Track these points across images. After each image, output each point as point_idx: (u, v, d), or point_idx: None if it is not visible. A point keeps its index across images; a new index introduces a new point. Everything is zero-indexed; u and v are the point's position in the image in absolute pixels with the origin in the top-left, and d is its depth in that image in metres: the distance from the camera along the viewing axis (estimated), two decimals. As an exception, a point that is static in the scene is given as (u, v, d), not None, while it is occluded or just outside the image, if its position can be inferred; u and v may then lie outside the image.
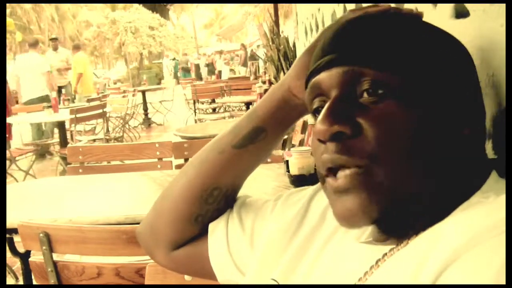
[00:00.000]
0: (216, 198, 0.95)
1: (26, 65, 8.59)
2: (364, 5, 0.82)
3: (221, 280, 0.97)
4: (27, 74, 8.54)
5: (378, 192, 0.66)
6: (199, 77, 16.28)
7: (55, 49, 10.22)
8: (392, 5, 0.81)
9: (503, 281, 0.48)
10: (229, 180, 0.95)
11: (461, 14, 1.01)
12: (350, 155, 0.66)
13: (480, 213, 0.62)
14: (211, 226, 0.96)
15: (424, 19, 0.78)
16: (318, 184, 0.88)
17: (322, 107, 0.72)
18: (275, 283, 0.83)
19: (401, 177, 0.65)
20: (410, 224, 0.68)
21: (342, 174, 0.67)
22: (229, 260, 0.94)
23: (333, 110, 0.68)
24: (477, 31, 0.91)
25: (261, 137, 0.92)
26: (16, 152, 6.60)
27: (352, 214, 0.67)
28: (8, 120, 6.80)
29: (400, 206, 0.67)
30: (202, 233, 0.97)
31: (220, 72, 19.96)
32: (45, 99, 8.27)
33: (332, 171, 0.69)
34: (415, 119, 0.66)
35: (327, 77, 0.71)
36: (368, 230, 0.76)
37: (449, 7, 1.05)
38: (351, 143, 0.66)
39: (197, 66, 23.03)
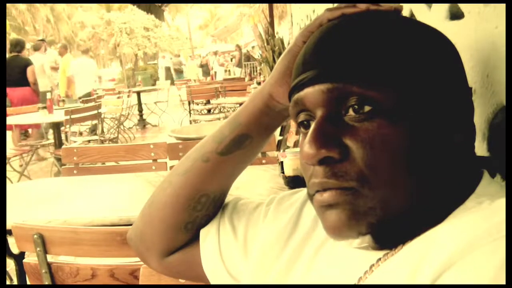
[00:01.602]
0: (204, 205, 0.93)
1: (79, 68, 10.38)
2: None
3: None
4: (80, 74, 10.31)
5: (366, 210, 0.65)
6: (169, 79, 15.10)
7: (43, 50, 10.18)
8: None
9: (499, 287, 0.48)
10: (216, 186, 0.94)
11: (456, 15, 1.01)
12: (338, 179, 0.65)
13: (474, 219, 0.61)
14: (203, 233, 0.95)
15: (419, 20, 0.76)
16: None
17: (308, 121, 0.71)
18: None
19: (392, 194, 0.64)
20: (404, 232, 0.67)
21: (329, 191, 0.66)
22: (222, 268, 0.93)
23: (319, 133, 0.65)
24: (472, 32, 0.91)
25: (247, 143, 0.91)
26: (11, 153, 6.58)
27: (339, 228, 0.66)
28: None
29: (392, 219, 0.65)
30: (193, 239, 0.96)
31: (215, 72, 19.85)
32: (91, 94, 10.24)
33: (321, 191, 0.67)
34: (405, 135, 0.63)
35: (310, 94, 0.68)
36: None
37: (443, 9, 1.05)
38: (339, 167, 0.65)
39: (168, 69, 20.87)
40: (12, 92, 8.11)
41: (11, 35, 20.11)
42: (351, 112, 0.65)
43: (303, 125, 0.72)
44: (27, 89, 8.39)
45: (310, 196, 0.70)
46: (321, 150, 0.64)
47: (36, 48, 10.25)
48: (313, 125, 0.67)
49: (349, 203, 0.65)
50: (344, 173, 0.65)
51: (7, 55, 8.55)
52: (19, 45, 8.55)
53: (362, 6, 0.72)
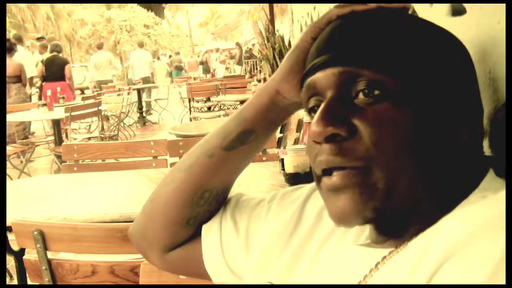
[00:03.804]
0: (207, 200, 0.93)
1: (137, 58, 14.07)
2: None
3: (217, 282, 0.96)
4: (138, 63, 13.91)
5: (373, 192, 0.65)
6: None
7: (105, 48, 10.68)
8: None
9: (499, 277, 0.48)
10: (219, 182, 0.94)
11: (458, 11, 1.01)
12: (345, 157, 0.66)
13: (477, 210, 0.62)
14: (204, 229, 0.95)
15: (421, 17, 0.77)
16: (313, 185, 0.87)
17: (318, 106, 0.71)
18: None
19: (397, 178, 0.65)
20: (409, 225, 0.68)
21: (337, 173, 0.67)
22: (224, 264, 0.93)
23: (328, 111, 0.67)
24: (474, 28, 0.91)
25: (251, 139, 0.91)
26: (10, 150, 6.58)
27: (345, 213, 0.66)
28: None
29: (396, 206, 0.66)
30: (195, 235, 0.96)
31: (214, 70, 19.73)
32: (148, 79, 13.62)
33: (327, 172, 0.68)
34: (411, 120, 0.65)
35: (322, 77, 0.70)
36: (365, 232, 0.76)
37: (445, 5, 1.05)
38: (346, 145, 0.66)
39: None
40: (52, 85, 9.25)
41: (11, 32, 20.06)
42: (360, 95, 0.67)
43: (313, 110, 0.73)
44: (64, 83, 9.67)
45: (318, 178, 0.71)
46: (328, 128, 0.66)
47: (99, 47, 13.82)
48: (322, 105, 0.69)
49: (357, 185, 0.65)
50: (352, 150, 0.66)
51: (48, 55, 9.79)
52: (58, 47, 10.02)
53: (372, 5, 0.73)
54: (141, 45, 15.19)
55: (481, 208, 0.62)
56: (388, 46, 0.67)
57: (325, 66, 0.70)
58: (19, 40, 9.87)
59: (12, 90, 8.27)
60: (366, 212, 0.66)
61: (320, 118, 0.67)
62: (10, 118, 6.90)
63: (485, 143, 0.90)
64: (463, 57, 0.72)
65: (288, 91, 0.86)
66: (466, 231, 0.57)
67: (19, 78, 8.53)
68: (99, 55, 13.53)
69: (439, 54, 0.69)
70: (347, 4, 0.76)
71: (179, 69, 22.21)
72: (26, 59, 9.41)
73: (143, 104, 12.48)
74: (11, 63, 8.35)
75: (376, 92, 0.66)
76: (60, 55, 10.13)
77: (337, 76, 0.68)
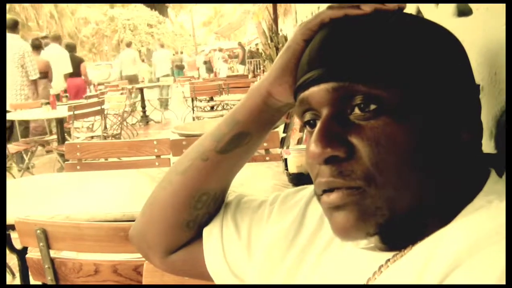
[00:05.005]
0: (205, 203, 0.92)
1: (160, 57, 15.76)
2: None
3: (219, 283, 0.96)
4: (160, 61, 15.61)
5: (375, 210, 0.64)
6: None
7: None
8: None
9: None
10: (216, 184, 0.93)
11: (464, 12, 1.01)
12: (346, 178, 0.64)
13: (482, 218, 0.61)
14: (206, 232, 0.94)
15: (426, 18, 0.75)
16: None
17: (313, 120, 0.70)
18: None
19: (400, 194, 0.64)
20: (413, 233, 0.67)
21: (336, 191, 0.65)
22: (226, 268, 0.92)
23: (325, 132, 0.65)
24: (480, 29, 0.91)
25: (246, 141, 0.89)
26: (13, 149, 6.58)
27: (347, 229, 0.66)
28: (8, 116, 6.80)
29: (400, 219, 0.65)
30: (196, 237, 0.95)
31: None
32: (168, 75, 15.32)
33: (328, 191, 0.67)
34: (411, 132, 0.63)
35: (316, 93, 0.68)
36: None
37: (451, 6, 1.05)
38: (345, 166, 0.64)
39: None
40: (73, 81, 10.33)
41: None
42: (356, 110, 0.65)
43: (309, 124, 0.72)
44: (80, 79, 10.77)
45: (318, 196, 0.70)
46: (327, 149, 0.64)
47: (128, 45, 15.73)
48: (318, 124, 0.67)
49: (357, 203, 0.64)
50: (351, 172, 0.64)
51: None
52: (74, 48, 11.13)
53: (366, 8, 0.70)
54: (161, 45, 17.40)
55: (486, 216, 0.61)
56: (383, 57, 0.64)
57: (318, 81, 0.67)
58: (57, 39, 10.19)
59: (40, 85, 8.38)
60: (369, 228, 0.65)
61: (318, 140, 0.65)
62: (13, 116, 6.91)
63: (491, 145, 0.90)
64: (460, 55, 0.70)
65: (280, 93, 0.83)
66: (472, 239, 0.56)
67: (46, 74, 8.72)
68: (126, 52, 15.10)
69: (437, 58, 0.66)
70: (341, 5, 0.72)
71: (180, 68, 22.19)
72: (64, 57, 9.94)
73: (145, 102, 12.48)
74: (39, 59, 8.54)
75: (373, 106, 0.64)
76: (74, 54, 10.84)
77: (332, 93, 0.66)
